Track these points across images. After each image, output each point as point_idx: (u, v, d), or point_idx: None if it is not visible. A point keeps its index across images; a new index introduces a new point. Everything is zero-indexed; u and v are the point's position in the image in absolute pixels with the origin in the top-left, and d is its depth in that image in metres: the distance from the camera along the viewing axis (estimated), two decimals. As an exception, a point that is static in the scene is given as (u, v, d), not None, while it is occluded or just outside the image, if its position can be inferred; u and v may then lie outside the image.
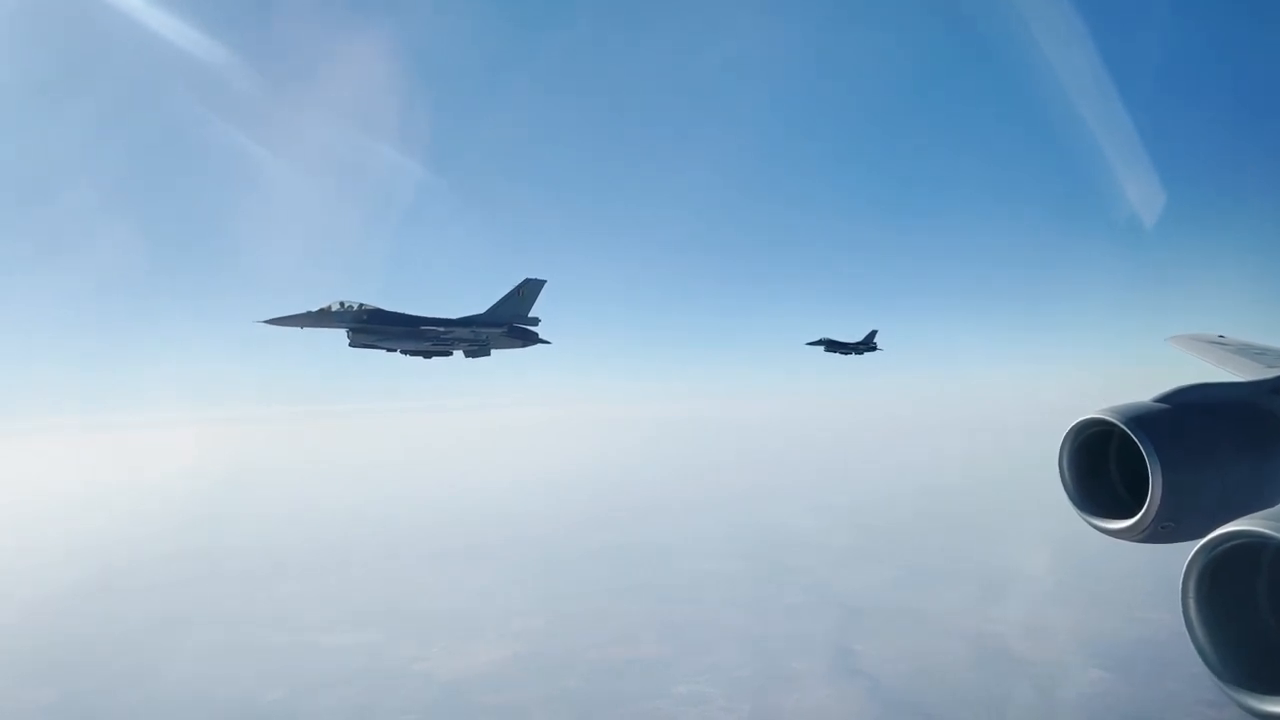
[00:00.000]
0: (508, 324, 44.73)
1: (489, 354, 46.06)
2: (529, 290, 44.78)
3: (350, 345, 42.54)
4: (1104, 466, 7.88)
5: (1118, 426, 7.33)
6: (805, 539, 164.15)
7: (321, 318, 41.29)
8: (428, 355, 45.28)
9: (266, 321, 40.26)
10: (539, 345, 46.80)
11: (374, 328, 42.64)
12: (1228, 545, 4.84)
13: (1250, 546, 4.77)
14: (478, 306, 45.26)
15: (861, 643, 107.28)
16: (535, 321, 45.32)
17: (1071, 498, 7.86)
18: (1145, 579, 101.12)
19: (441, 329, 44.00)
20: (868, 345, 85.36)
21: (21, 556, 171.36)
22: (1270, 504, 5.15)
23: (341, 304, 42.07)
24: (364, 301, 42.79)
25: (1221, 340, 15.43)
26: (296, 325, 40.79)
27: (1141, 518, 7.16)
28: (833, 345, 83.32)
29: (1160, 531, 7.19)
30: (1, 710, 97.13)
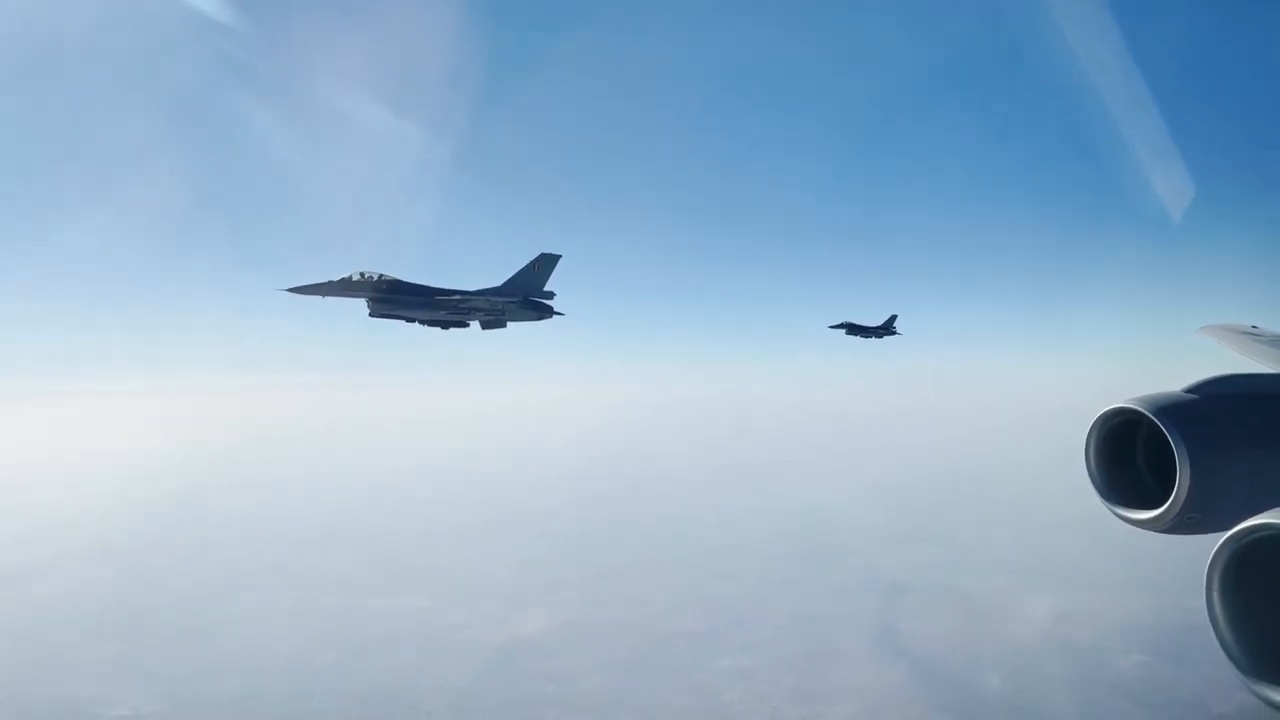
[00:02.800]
0: (523, 296, 46.21)
1: (505, 325, 47.65)
2: (544, 264, 46.48)
3: (370, 315, 44.04)
4: (1131, 456, 7.95)
5: (1146, 416, 7.39)
6: (841, 518, 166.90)
7: (343, 287, 42.85)
8: (445, 326, 46.54)
9: (290, 290, 41.50)
10: (553, 318, 48.38)
11: (393, 298, 44.05)
12: (1254, 538, 4.95)
13: (1276, 539, 4.87)
14: (499, 279, 47.01)
15: (903, 622, 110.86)
16: (550, 295, 46.98)
17: (1097, 487, 7.96)
18: (1184, 565, 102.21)
19: (458, 300, 45.44)
20: (888, 329, 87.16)
21: (71, 519, 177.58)
22: None
23: (362, 274, 43.33)
24: (384, 272, 43.87)
25: (1254, 331, 15.29)
26: (319, 294, 42.14)
27: (1167, 509, 7.25)
28: (854, 329, 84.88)
29: (1186, 523, 7.26)
30: (61, 668, 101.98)
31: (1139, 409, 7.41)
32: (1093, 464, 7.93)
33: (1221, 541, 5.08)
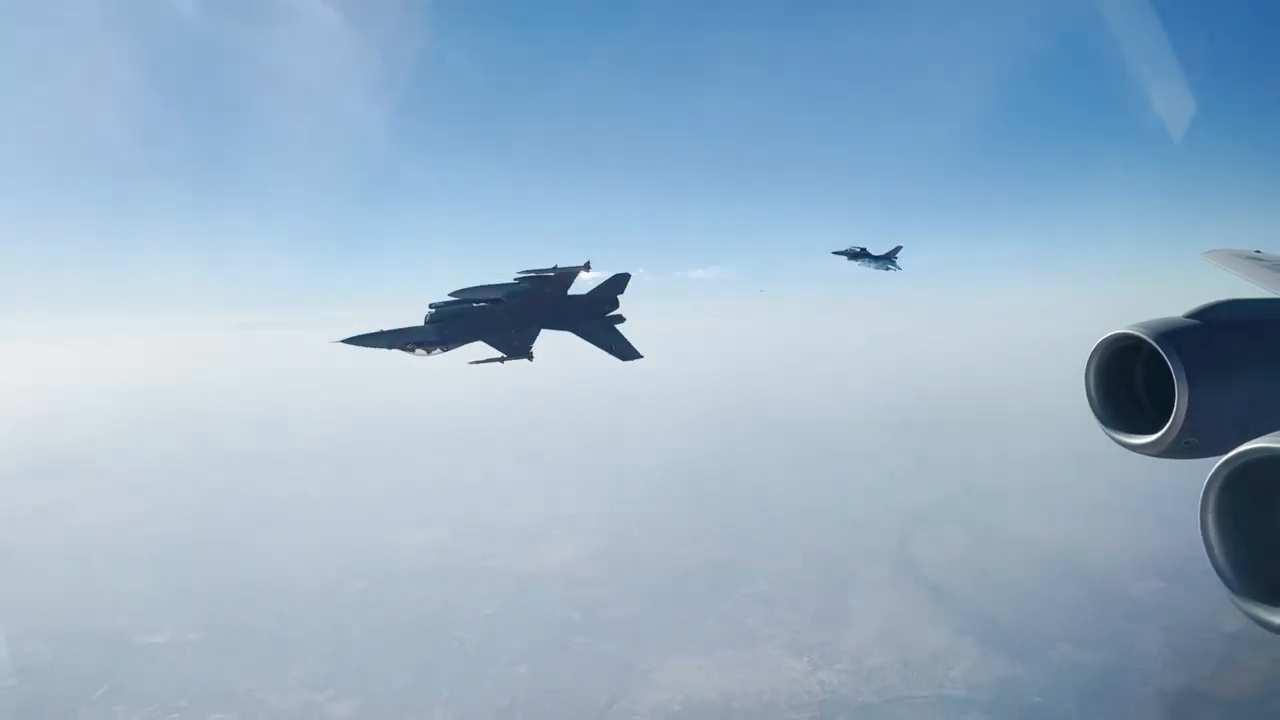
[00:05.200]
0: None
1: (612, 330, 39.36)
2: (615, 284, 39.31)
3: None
4: (1130, 382, 8.04)
5: (1146, 341, 7.49)
6: (853, 449, 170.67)
7: (409, 334, 35.87)
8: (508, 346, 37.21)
9: (344, 341, 35.29)
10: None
11: (457, 323, 36.00)
12: (1249, 461, 5.04)
13: (1272, 462, 4.95)
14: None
15: (920, 550, 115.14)
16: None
17: (1096, 412, 8.10)
18: (1197, 493, 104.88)
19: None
20: (890, 260, 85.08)
21: (93, 455, 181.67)
22: None
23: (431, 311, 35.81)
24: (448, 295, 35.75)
25: (1258, 255, 15.42)
26: (379, 346, 35.57)
27: (1165, 433, 7.40)
28: (859, 255, 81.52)
29: (1184, 447, 7.41)
30: (99, 598, 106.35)
31: (1139, 334, 7.61)
32: (1092, 389, 8.13)
33: (1218, 465, 5.29)
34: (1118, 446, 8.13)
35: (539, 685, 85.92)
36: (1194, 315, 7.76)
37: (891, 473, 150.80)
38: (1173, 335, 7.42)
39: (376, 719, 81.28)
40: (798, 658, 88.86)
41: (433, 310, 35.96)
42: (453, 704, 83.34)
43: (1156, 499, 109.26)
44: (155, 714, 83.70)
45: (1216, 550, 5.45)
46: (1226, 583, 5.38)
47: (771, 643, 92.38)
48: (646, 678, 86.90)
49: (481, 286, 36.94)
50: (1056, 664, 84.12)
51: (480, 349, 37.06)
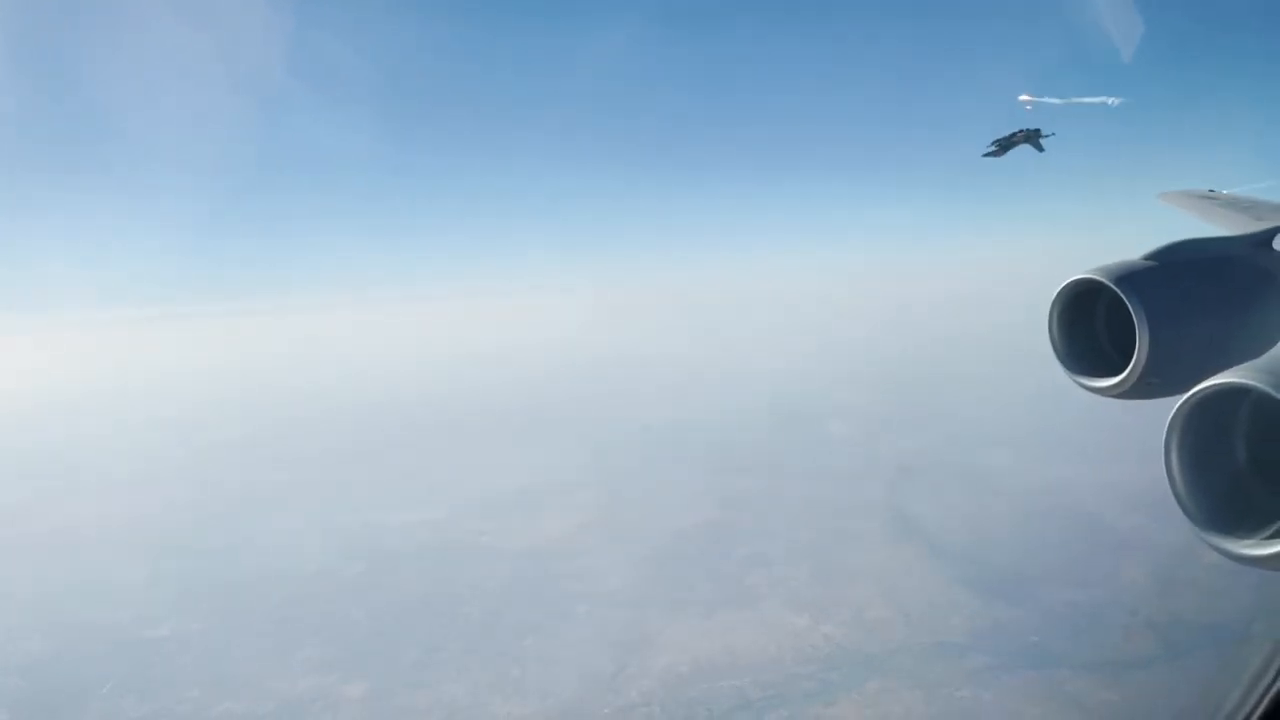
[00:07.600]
0: None
1: None
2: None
3: None
4: (1092, 326, 8.16)
5: (1106, 285, 7.59)
6: (832, 405, 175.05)
7: None
8: None
9: None
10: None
11: None
12: (1209, 397, 5.14)
13: (1231, 396, 5.06)
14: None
15: (910, 502, 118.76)
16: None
17: (1059, 357, 8.18)
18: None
19: None
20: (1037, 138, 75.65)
21: (77, 451, 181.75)
22: (1253, 358, 5.35)
23: None
24: None
25: (1211, 195, 15.58)
26: None
27: (1127, 375, 7.49)
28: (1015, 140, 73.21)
29: (1146, 387, 7.48)
30: (98, 592, 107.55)
31: (1099, 278, 7.71)
32: (1055, 335, 8.25)
33: (1179, 404, 5.34)
34: (1083, 393, 8.30)
35: (547, 655, 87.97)
36: (1151, 257, 7.98)
37: (875, 427, 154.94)
38: (1131, 278, 7.62)
39: (390, 697, 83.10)
40: (799, 614, 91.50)
41: None
42: (463, 678, 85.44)
43: (1135, 437, 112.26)
44: (166, 706, 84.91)
45: (1180, 486, 5.52)
46: (1190, 517, 5.43)
47: (772, 601, 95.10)
48: (652, 642, 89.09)
49: None
50: (1049, 603, 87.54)
51: None
